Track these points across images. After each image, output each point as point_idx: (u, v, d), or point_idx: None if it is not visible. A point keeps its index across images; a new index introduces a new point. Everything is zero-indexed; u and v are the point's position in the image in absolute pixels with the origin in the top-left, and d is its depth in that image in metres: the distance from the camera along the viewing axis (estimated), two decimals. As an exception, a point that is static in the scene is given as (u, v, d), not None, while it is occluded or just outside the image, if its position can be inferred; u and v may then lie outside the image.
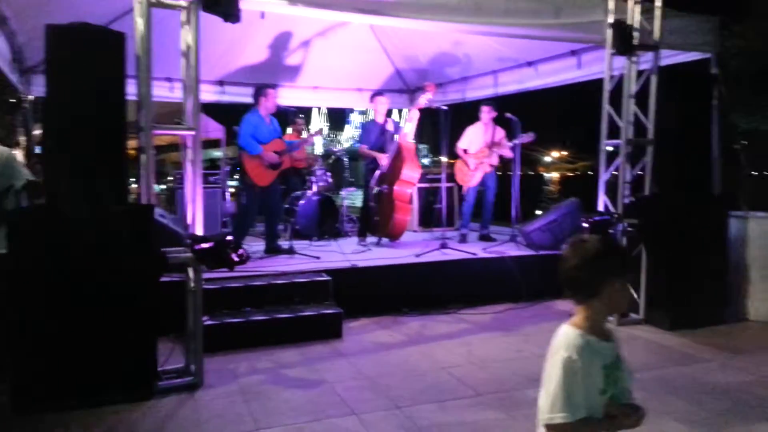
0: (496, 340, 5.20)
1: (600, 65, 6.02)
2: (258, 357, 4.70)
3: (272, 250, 6.75)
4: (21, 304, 3.65)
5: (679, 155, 5.64)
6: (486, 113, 7.77)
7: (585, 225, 5.32)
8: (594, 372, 1.73)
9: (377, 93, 7.77)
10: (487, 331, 5.48)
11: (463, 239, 7.71)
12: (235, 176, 11.11)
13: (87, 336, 3.74)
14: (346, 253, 6.73)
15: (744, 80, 6.40)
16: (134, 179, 5.87)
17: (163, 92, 7.61)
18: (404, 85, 9.89)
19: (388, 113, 7.87)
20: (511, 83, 8.28)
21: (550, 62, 7.54)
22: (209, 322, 4.72)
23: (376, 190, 7.39)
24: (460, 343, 5.12)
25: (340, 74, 9.06)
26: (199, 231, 4.18)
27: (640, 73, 5.71)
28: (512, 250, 6.97)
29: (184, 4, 4.11)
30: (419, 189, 8.82)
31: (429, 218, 8.92)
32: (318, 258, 6.40)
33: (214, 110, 11.17)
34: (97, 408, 3.69)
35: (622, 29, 5.35)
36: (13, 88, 7.27)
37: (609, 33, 5.41)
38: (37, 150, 7.57)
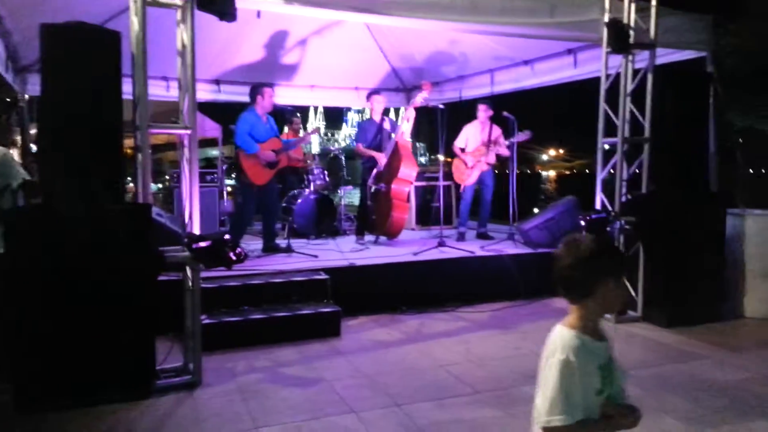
0: (494, 338, 5.21)
1: (596, 64, 6.04)
2: (256, 356, 4.70)
3: (270, 248, 6.74)
4: (18, 303, 3.65)
5: (676, 153, 5.65)
6: (483, 112, 7.78)
7: (582, 223, 5.34)
8: (590, 372, 1.72)
9: (374, 92, 7.78)
10: (485, 329, 5.49)
11: (460, 237, 7.72)
12: (232, 175, 11.10)
13: (85, 335, 3.73)
14: (344, 251, 6.73)
15: (739, 79, 6.42)
16: (131, 178, 5.88)
17: (160, 91, 7.61)
18: (401, 84, 9.90)
19: (385, 112, 7.87)
20: (508, 82, 8.29)
21: (547, 61, 7.55)
22: (207, 321, 4.72)
23: (373, 188, 7.40)
24: (458, 341, 5.13)
25: (337, 73, 9.06)
26: (196, 230, 4.18)
27: (636, 71, 5.73)
28: (510, 248, 6.97)
29: (179, 2, 4.10)
30: (417, 187, 8.83)
31: (427, 216, 8.92)
32: (316, 256, 6.39)
33: (210, 109, 11.15)
34: (96, 407, 3.68)
35: (617, 28, 5.36)
36: (9, 88, 7.25)
37: (605, 31, 5.42)
38: (34, 149, 7.55)
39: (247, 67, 8.34)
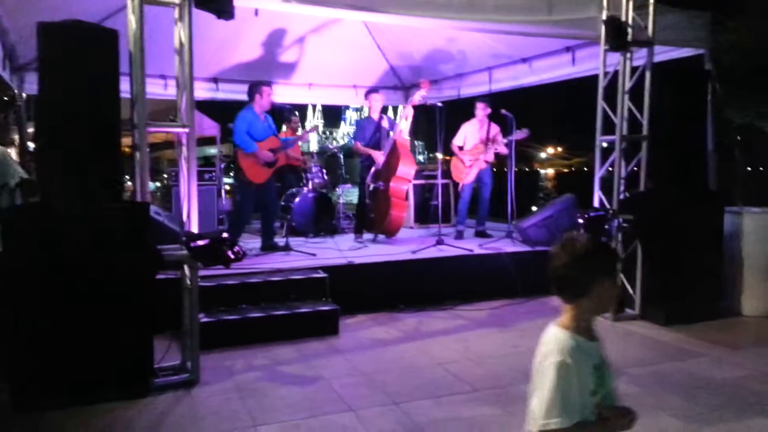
0: (492, 336, 5.21)
1: (594, 61, 6.03)
2: (254, 354, 4.70)
3: (268, 247, 6.74)
4: (16, 302, 3.64)
5: (674, 151, 5.65)
6: (481, 110, 7.78)
7: (580, 221, 5.34)
8: (585, 373, 1.71)
9: (372, 90, 7.78)
10: (483, 327, 5.49)
11: (459, 236, 7.71)
12: (230, 173, 11.10)
13: (83, 334, 3.73)
14: (342, 249, 6.74)
15: (737, 76, 6.43)
16: (129, 177, 5.87)
17: (158, 89, 7.60)
18: (399, 82, 9.89)
19: (383, 110, 7.87)
20: (506, 80, 8.28)
21: (545, 58, 7.54)
22: (205, 320, 4.72)
23: (371, 186, 7.40)
24: (456, 339, 5.13)
25: (335, 71, 9.05)
26: (194, 228, 4.18)
27: (634, 69, 5.72)
28: (508, 247, 6.97)
29: (176, 0, 4.09)
30: (415, 185, 8.83)
31: (425, 215, 8.92)
32: (314, 255, 6.39)
33: (208, 107, 11.14)
34: (94, 405, 3.68)
35: (615, 25, 5.36)
36: (7, 86, 7.24)
37: (603, 29, 5.42)
38: (31, 148, 7.54)
39: (245, 65, 8.33)
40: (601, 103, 5.77)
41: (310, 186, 8.33)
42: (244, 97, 6.92)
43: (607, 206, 5.74)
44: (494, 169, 8.06)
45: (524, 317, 5.72)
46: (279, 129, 8.24)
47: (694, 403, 3.79)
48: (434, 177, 8.43)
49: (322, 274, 5.61)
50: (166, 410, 3.71)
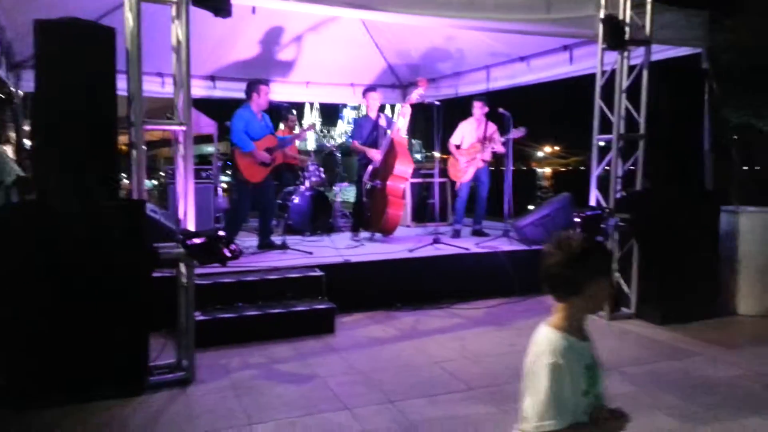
0: (489, 335, 5.22)
1: (592, 60, 6.03)
2: (250, 352, 4.69)
3: (265, 245, 6.74)
4: (12, 299, 3.64)
5: (671, 150, 5.65)
6: (478, 109, 7.78)
7: (577, 220, 5.34)
8: (577, 374, 1.71)
9: (369, 88, 7.78)
10: (480, 325, 5.49)
11: (456, 234, 7.71)
12: (227, 171, 11.09)
13: (78, 331, 3.72)
14: (339, 248, 6.73)
15: (735, 75, 6.43)
16: (126, 175, 5.86)
17: (155, 87, 7.58)
18: (397, 81, 9.88)
19: (381, 109, 7.86)
20: (504, 78, 8.28)
21: (543, 57, 7.54)
22: (201, 318, 4.72)
23: (369, 185, 7.39)
24: (453, 337, 5.13)
25: (333, 69, 9.04)
26: (191, 226, 4.17)
27: (631, 68, 5.72)
28: (505, 245, 6.97)
29: (174, -2, 4.08)
30: (412, 184, 8.82)
31: (422, 213, 8.92)
32: (311, 253, 6.39)
33: (205, 105, 11.12)
34: (90, 403, 3.68)
35: (613, 24, 5.36)
36: (3, 84, 7.22)
37: (600, 28, 5.42)
38: (28, 145, 7.52)
39: (242, 63, 8.31)
40: (598, 102, 5.77)
41: (308, 184, 8.32)
42: (242, 95, 6.90)
43: (604, 205, 5.75)
44: (491, 168, 8.06)
45: (521, 316, 5.73)
46: (276, 127, 8.23)
47: (689, 402, 3.80)
48: (431, 175, 8.42)
49: (318, 273, 5.61)
50: (161, 408, 3.70)
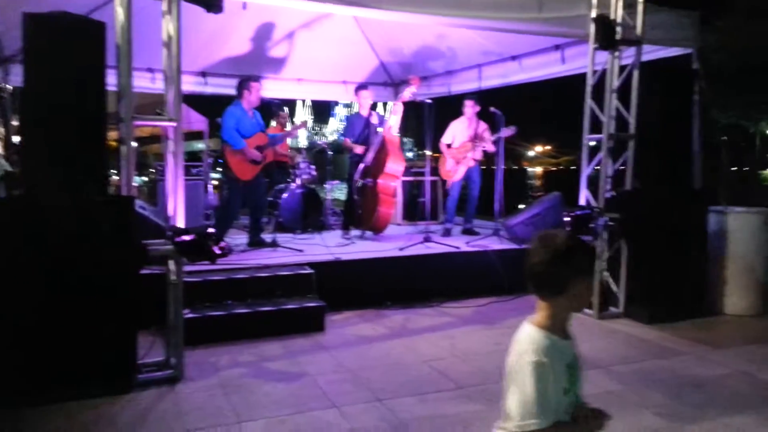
0: (478, 334, 5.23)
1: (583, 60, 6.05)
2: (240, 350, 4.68)
3: (256, 243, 6.72)
4: (-2, 296, 3.61)
5: (661, 150, 5.68)
6: (469, 107, 7.78)
7: (567, 219, 5.36)
8: (559, 372, 1.71)
9: (361, 86, 7.77)
10: (469, 324, 5.50)
11: (446, 233, 7.72)
12: (218, 168, 11.05)
13: (66, 329, 3.69)
14: (329, 246, 6.72)
15: (725, 76, 6.47)
16: (115, 171, 5.82)
17: (145, 83, 7.53)
18: (389, 79, 9.87)
19: (373, 106, 7.86)
20: (495, 77, 8.29)
21: (534, 56, 7.55)
22: (190, 315, 4.70)
23: (360, 183, 7.38)
24: (442, 336, 5.14)
25: (325, 66, 9.02)
26: (180, 223, 4.15)
27: (622, 68, 5.74)
28: (495, 244, 6.99)
29: (165, -7, 4.06)
30: (403, 182, 8.83)
31: (413, 212, 8.92)
32: (301, 251, 6.38)
33: (196, 101, 11.08)
34: (77, 401, 3.66)
35: (604, 24, 5.38)
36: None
37: (592, 27, 5.44)
38: (16, 141, 7.46)
39: (233, 59, 8.28)
40: (589, 102, 5.79)
41: (299, 182, 8.31)
42: (233, 91, 6.87)
43: (594, 205, 5.77)
44: (483, 167, 8.07)
45: (510, 314, 5.74)
46: (267, 124, 8.21)
47: (676, 400, 3.82)
48: (423, 174, 8.42)
49: (309, 271, 5.60)
50: (149, 406, 3.69)
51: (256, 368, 4.35)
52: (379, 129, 7.38)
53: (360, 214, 7.50)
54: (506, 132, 7.53)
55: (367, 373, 4.25)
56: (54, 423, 3.45)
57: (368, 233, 7.53)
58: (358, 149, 7.38)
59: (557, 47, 7.12)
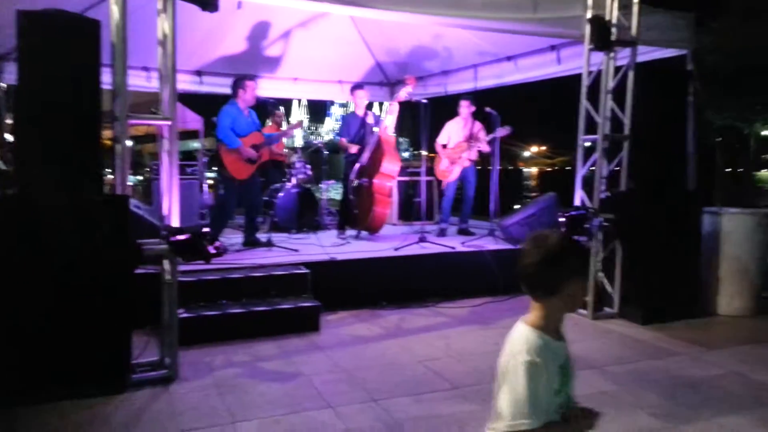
0: (473, 334, 5.23)
1: (579, 60, 6.05)
2: (234, 350, 4.67)
3: (251, 242, 6.70)
4: (-9, 295, 3.59)
5: (655, 151, 5.69)
6: (465, 107, 7.79)
7: (561, 220, 5.37)
8: (552, 373, 1.70)
9: (357, 86, 7.76)
10: (464, 324, 5.51)
11: (442, 233, 7.73)
12: (213, 167, 11.03)
13: (60, 328, 3.68)
14: (324, 246, 6.72)
15: (720, 78, 6.47)
16: (110, 170, 5.80)
17: (140, 81, 7.52)
18: (385, 78, 9.87)
19: (369, 106, 7.85)
20: (491, 77, 8.29)
21: (530, 57, 7.56)
22: (185, 315, 4.68)
23: (355, 183, 7.38)
24: (438, 336, 5.14)
25: (321, 66, 9.01)
26: (175, 223, 4.13)
27: (617, 69, 5.75)
28: (490, 244, 7.00)
29: (160, -9, 4.04)
30: (399, 182, 8.82)
31: (408, 212, 8.92)
32: (296, 251, 6.37)
33: (191, 100, 11.07)
34: (71, 401, 3.64)
35: (600, 25, 5.39)
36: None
37: (587, 28, 5.45)
38: (10, 139, 7.42)
39: (229, 58, 8.26)
40: (584, 103, 5.80)
41: (294, 181, 8.30)
42: (228, 90, 6.85)
43: (589, 205, 5.77)
44: (478, 167, 8.08)
45: (505, 315, 5.74)
46: (263, 124, 8.19)
47: (671, 401, 3.83)
48: (418, 174, 8.43)
49: (304, 270, 5.59)
50: (143, 406, 3.67)
51: (250, 368, 4.34)
52: (375, 129, 7.38)
53: (355, 213, 7.49)
54: (501, 132, 7.54)
55: (363, 373, 4.25)
56: (48, 422, 3.44)
57: (364, 233, 7.52)
58: (354, 149, 7.40)
59: (553, 48, 7.12)
